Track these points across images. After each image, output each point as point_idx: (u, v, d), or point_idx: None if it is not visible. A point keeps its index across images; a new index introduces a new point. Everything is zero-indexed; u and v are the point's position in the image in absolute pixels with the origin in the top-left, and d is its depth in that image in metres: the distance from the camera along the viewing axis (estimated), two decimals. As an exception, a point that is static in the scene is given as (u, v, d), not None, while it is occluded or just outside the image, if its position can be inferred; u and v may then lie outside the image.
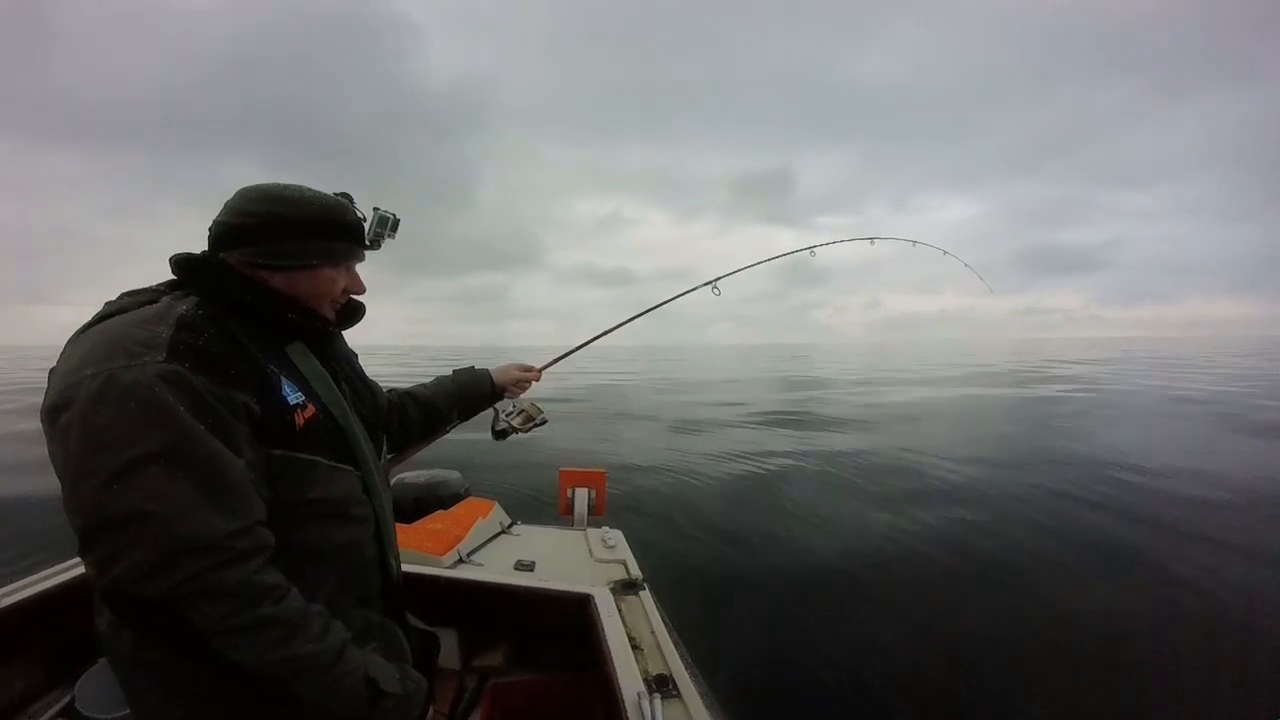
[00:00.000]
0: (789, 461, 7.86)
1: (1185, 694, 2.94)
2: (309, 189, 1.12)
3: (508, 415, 1.87)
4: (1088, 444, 8.97)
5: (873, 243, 3.06)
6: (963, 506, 5.74)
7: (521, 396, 1.86)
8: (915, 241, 3.28)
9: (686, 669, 1.56)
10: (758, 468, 7.51)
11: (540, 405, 1.92)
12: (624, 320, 2.24)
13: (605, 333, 2.19)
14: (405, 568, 1.71)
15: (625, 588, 2.06)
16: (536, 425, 1.91)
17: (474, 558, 2.30)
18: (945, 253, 3.44)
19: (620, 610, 1.87)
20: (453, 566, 2.19)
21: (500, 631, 2.00)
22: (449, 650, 2.13)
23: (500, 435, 1.87)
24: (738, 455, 8.30)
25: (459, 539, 2.33)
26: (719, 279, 2.27)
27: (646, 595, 2.01)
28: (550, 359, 2.04)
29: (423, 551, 2.18)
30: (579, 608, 1.95)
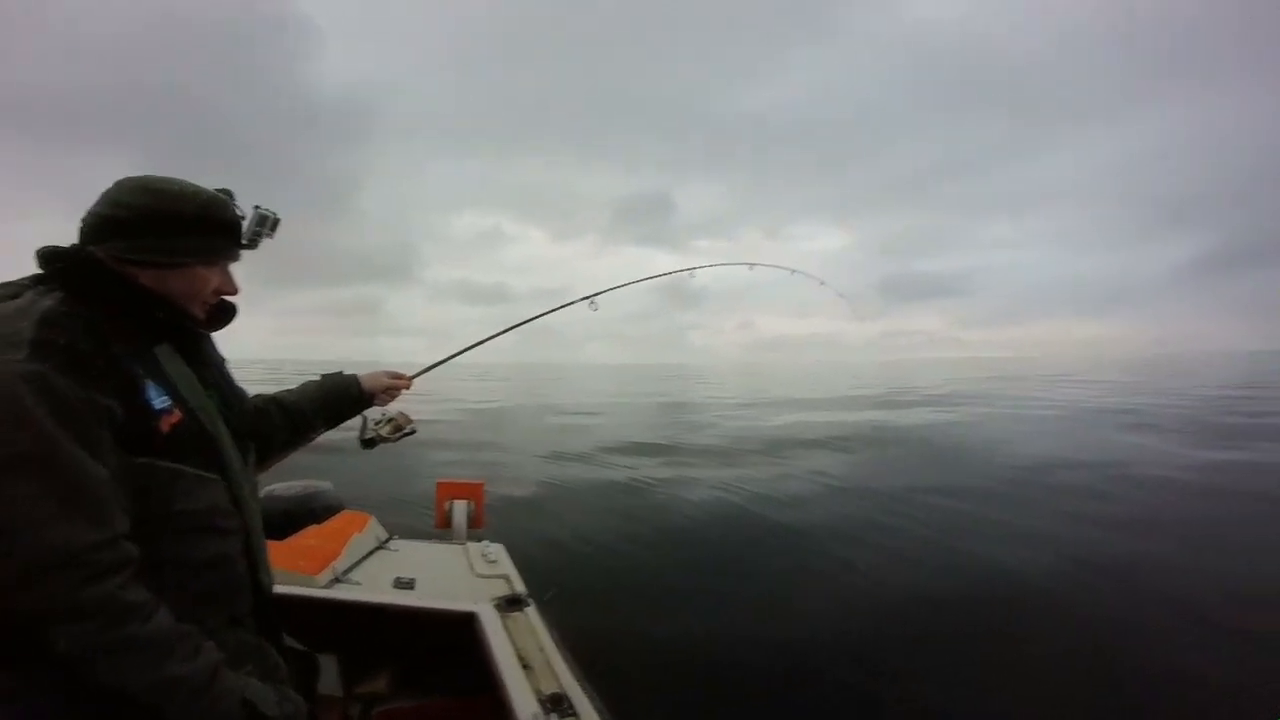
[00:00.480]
0: (670, 475, 8.05)
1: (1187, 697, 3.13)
2: (189, 183, 1.09)
3: (376, 424, 1.83)
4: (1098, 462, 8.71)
5: (751, 268, 3.23)
6: (855, 505, 6.17)
7: (391, 405, 1.83)
8: (794, 270, 3.49)
9: (581, 686, 1.59)
10: (639, 480, 7.64)
11: (409, 415, 1.90)
12: (499, 331, 2.25)
13: (479, 343, 2.19)
14: (278, 588, 1.63)
15: (510, 604, 2.05)
16: (405, 434, 1.88)
17: (351, 576, 2.21)
18: (822, 283, 3.67)
19: (507, 628, 1.87)
20: (328, 586, 2.09)
21: (383, 655, 1.94)
22: (329, 676, 2.03)
23: (368, 444, 1.83)
24: (618, 469, 8.40)
25: (334, 555, 2.23)
26: (597, 294, 2.34)
27: (533, 611, 2.02)
28: (422, 368, 2.02)
29: (295, 570, 2.06)
30: (464, 627, 1.93)
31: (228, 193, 1.14)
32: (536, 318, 2.35)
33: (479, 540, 2.69)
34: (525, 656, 1.72)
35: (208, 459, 1.07)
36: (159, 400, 0.99)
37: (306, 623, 1.91)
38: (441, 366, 2.11)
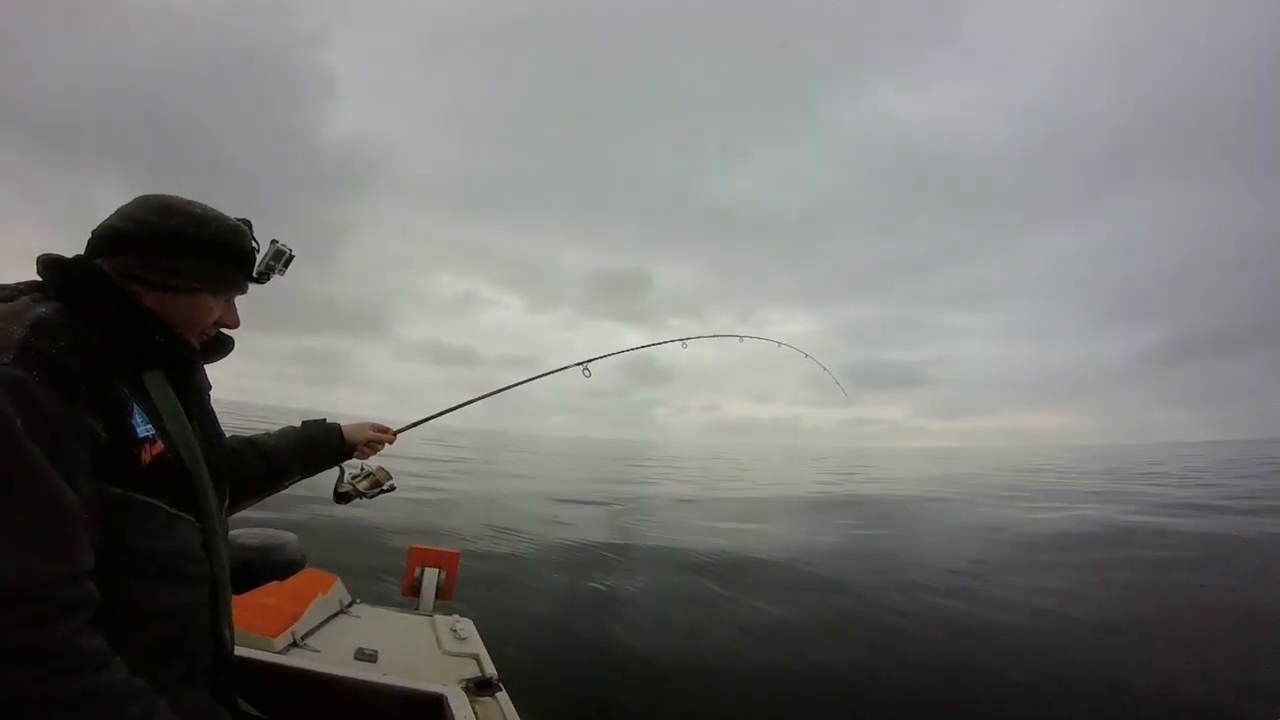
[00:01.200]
0: (648, 555, 7.76)
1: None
2: (211, 208, 1.07)
3: (354, 478, 1.74)
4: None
5: (742, 340, 3.26)
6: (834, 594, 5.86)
7: (371, 459, 1.75)
8: (780, 343, 3.53)
9: None
10: (617, 561, 7.35)
11: (389, 470, 1.81)
12: (490, 391, 2.21)
13: (469, 402, 2.14)
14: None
15: (480, 687, 1.92)
16: (383, 491, 1.79)
17: (309, 641, 2.04)
18: (807, 355, 3.68)
19: (476, 714, 1.74)
20: (285, 651, 1.93)
21: None
22: None
23: (342, 498, 1.73)
24: (594, 548, 8.08)
25: (295, 618, 2.07)
26: (591, 361, 2.30)
27: (504, 697, 1.89)
28: (408, 423, 1.95)
29: (254, 631, 1.89)
30: (430, 710, 1.78)
31: (247, 223, 1.12)
32: (533, 379, 2.32)
33: (447, 612, 2.54)
34: None
35: (184, 498, 1.00)
36: (143, 428, 0.93)
37: (258, 689, 1.75)
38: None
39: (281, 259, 1.18)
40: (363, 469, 1.75)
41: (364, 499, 1.75)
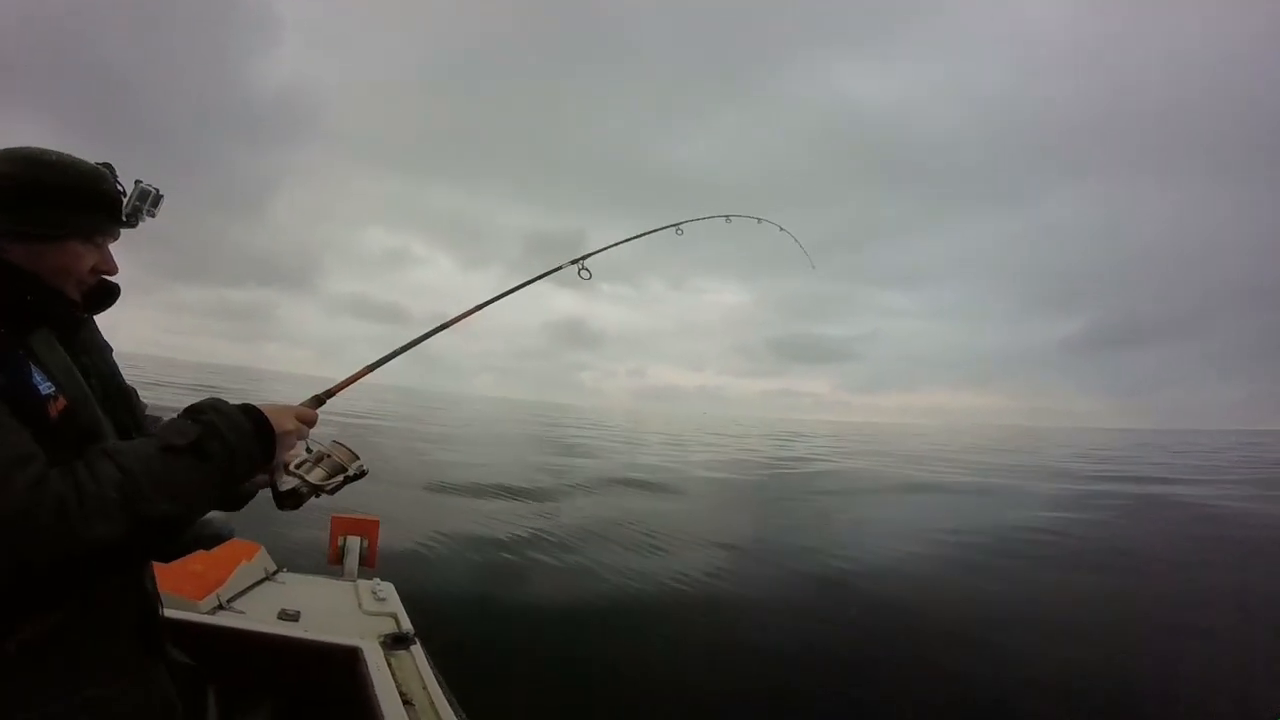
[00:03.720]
0: (566, 519, 7.98)
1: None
2: (66, 154, 1.06)
3: (298, 466, 1.17)
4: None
5: (729, 220, 3.49)
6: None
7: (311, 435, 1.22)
8: (760, 219, 3.78)
9: None
10: (541, 524, 7.55)
11: (353, 448, 1.24)
12: (451, 320, 1.65)
13: (422, 338, 1.57)
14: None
15: (395, 642, 2.08)
16: (351, 479, 1.22)
17: (234, 604, 2.18)
18: (781, 229, 3.93)
19: (390, 665, 1.90)
20: (211, 613, 2.07)
21: (263, 688, 1.91)
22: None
23: (287, 499, 1.15)
24: (515, 512, 8.27)
25: (219, 583, 2.20)
26: (586, 257, 2.01)
27: (418, 650, 2.06)
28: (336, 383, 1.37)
29: (178, 594, 2.02)
30: (347, 662, 1.94)
31: (109, 166, 1.11)
32: (529, 283, 1.90)
33: (371, 579, 2.69)
34: (407, 694, 1.76)
35: None
36: (44, 385, 0.94)
37: (184, 649, 1.88)
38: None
39: (148, 199, 1.15)
40: (310, 451, 1.22)
41: (322, 495, 1.19)
